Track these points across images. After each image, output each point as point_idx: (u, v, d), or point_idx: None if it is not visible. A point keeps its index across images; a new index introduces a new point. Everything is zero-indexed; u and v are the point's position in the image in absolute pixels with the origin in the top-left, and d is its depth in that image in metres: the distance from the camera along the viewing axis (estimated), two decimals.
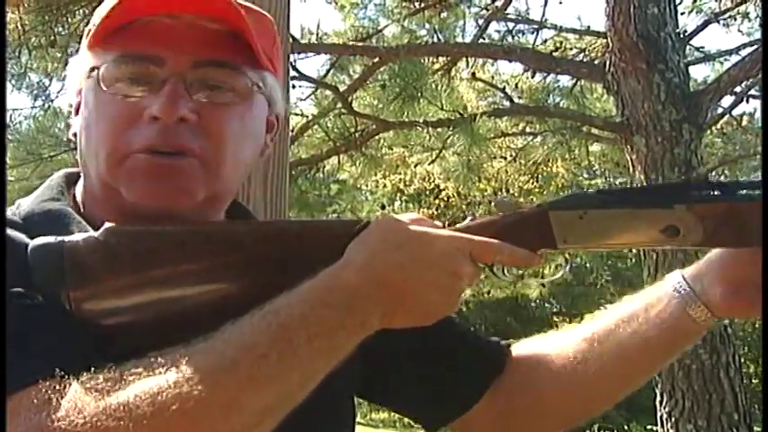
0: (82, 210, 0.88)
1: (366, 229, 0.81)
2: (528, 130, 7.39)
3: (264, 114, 0.92)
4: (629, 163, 5.35)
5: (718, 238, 0.85)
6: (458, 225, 0.86)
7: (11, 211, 0.86)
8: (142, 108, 0.83)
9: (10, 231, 0.78)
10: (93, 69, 0.86)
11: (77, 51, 0.93)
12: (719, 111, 6.01)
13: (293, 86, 5.79)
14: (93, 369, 0.68)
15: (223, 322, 0.72)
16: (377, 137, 6.56)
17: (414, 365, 1.01)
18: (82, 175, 0.91)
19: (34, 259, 0.76)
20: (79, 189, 0.92)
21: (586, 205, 0.86)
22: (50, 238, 0.77)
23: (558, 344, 1.02)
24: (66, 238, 0.77)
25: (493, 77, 8.12)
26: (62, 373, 0.68)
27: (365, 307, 0.76)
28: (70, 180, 0.93)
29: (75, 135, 0.90)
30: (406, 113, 6.13)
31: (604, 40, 5.74)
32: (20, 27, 4.87)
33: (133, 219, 0.83)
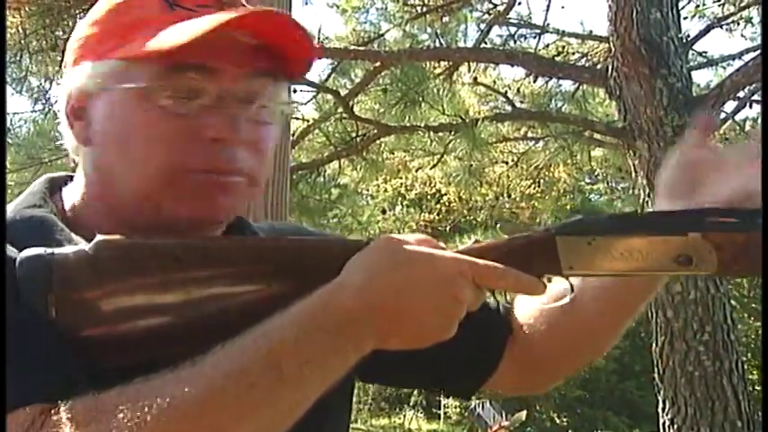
0: (69, 216, 0.86)
1: (366, 247, 0.77)
2: (530, 134, 7.40)
3: None
4: (632, 168, 5.34)
5: (733, 267, 0.82)
6: (461, 247, 0.82)
7: None
8: (198, 126, 0.81)
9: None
10: (122, 81, 0.81)
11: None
12: (722, 116, 5.99)
13: (294, 90, 5.78)
14: (77, 394, 0.66)
15: (214, 340, 0.70)
16: (378, 141, 6.56)
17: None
18: (85, 182, 0.86)
19: (23, 272, 0.73)
20: (69, 195, 0.88)
21: (595, 231, 0.81)
22: (39, 250, 0.74)
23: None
24: (56, 251, 0.75)
25: (495, 82, 8.13)
26: (48, 396, 0.66)
27: (359, 331, 0.72)
28: (54, 185, 0.90)
29: (84, 141, 0.85)
30: (407, 118, 6.12)
31: (607, 45, 5.72)
32: (21, 31, 4.87)
33: (158, 231, 0.81)
